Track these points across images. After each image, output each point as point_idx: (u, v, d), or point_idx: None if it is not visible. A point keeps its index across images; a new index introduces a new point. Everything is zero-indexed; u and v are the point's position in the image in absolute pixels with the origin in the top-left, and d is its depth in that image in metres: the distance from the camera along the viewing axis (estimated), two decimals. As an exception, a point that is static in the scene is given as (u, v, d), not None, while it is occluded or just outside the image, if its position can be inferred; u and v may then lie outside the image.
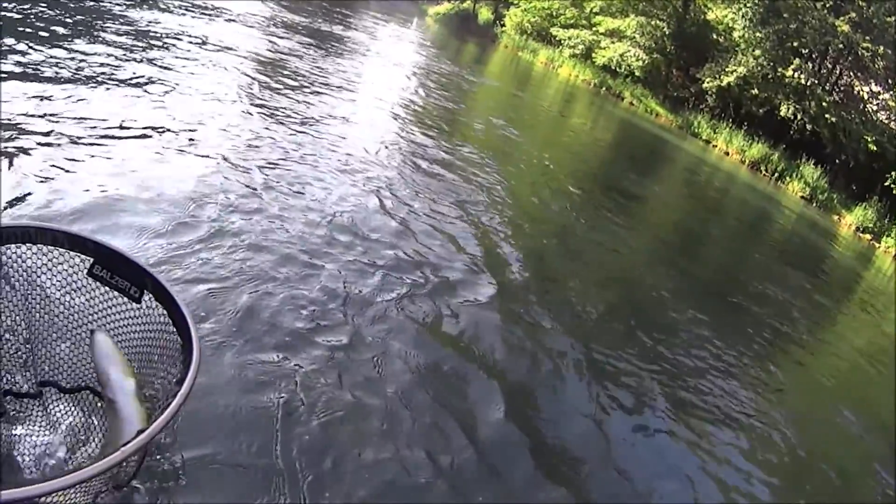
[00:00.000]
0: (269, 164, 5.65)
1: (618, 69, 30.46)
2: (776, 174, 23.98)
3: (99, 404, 2.18)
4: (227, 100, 7.10)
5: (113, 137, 4.87)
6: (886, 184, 23.37)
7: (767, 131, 26.35)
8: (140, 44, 7.80)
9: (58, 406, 2.23)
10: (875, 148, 24.78)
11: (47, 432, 2.21)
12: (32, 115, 4.67)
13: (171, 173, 4.69)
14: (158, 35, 8.62)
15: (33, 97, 5.01)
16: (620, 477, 3.44)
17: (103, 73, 6.14)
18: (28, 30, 6.47)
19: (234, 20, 12.04)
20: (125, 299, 2.10)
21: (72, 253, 2.08)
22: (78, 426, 2.23)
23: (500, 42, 36.13)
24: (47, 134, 4.48)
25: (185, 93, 6.68)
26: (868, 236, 20.74)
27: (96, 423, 2.19)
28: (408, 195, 6.24)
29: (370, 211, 5.47)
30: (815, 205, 22.29)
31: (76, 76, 5.80)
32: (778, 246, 13.33)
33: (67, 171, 4.07)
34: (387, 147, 7.70)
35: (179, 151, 5.15)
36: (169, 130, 5.48)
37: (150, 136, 5.21)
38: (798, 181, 23.29)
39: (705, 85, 28.43)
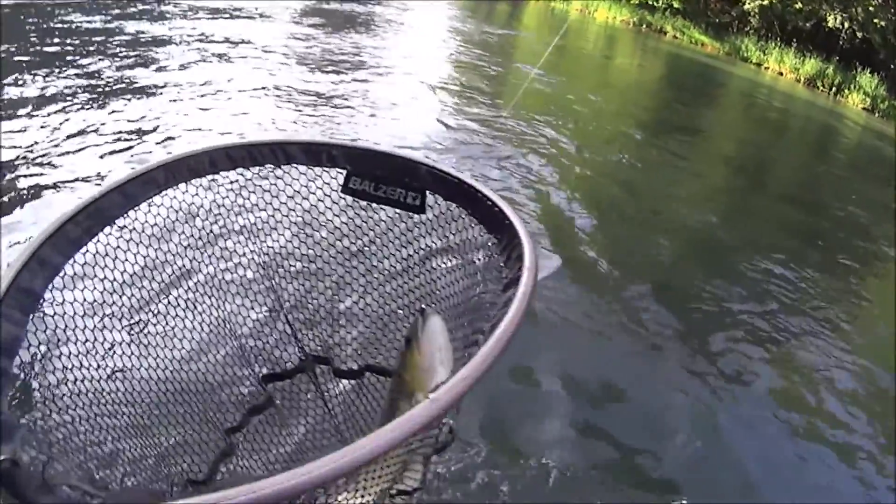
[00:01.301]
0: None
1: (655, 4, 29.88)
2: (833, 88, 23.51)
3: (382, 384, 1.74)
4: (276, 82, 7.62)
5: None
6: (947, 83, 22.59)
7: (818, 45, 25.74)
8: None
9: (329, 389, 1.82)
10: (930, 47, 23.91)
11: (320, 419, 1.81)
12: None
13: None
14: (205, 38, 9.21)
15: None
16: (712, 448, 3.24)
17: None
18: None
19: (252, 17, 11.79)
20: (404, 214, 1.53)
21: (318, 170, 1.54)
22: (356, 412, 1.81)
23: (531, -4, 35.57)
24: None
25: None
26: (939, 139, 20.21)
27: (374, 409, 1.76)
28: (456, 150, 6.37)
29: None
30: (877, 115, 21.85)
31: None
32: (849, 162, 13.30)
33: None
34: (434, 110, 7.76)
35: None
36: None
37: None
38: (857, 92, 22.81)
39: (746, 6, 27.76)
